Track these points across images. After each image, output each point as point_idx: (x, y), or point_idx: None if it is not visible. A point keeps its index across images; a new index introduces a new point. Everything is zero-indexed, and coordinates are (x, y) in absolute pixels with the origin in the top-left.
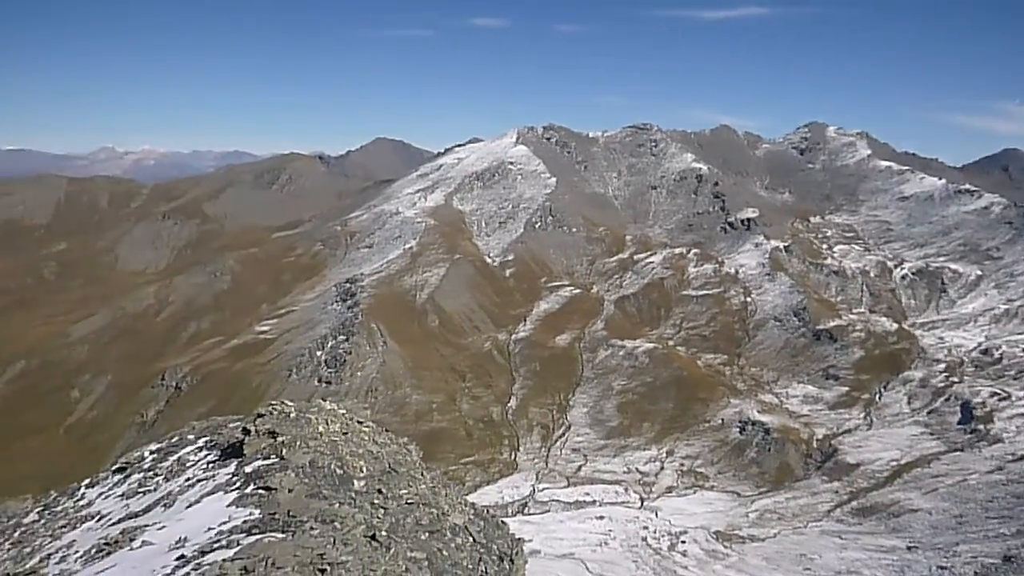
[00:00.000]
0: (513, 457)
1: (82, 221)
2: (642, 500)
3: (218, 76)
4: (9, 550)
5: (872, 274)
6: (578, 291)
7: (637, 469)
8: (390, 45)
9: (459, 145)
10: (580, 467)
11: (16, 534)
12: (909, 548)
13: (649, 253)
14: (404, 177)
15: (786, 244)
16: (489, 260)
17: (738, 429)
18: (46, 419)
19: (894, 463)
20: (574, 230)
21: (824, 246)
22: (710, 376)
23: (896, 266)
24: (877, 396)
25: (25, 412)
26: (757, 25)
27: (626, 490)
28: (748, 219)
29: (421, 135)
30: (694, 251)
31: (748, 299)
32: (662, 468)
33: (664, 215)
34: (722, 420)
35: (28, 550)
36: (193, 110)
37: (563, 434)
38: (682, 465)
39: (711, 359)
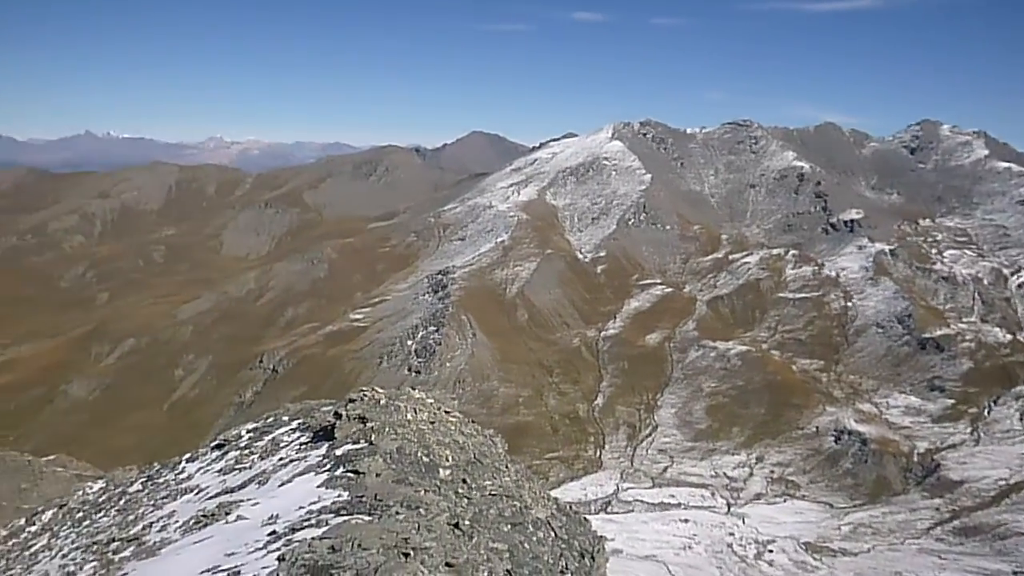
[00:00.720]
0: (598, 455)
1: (190, 207)
2: (729, 506)
3: (322, 70)
4: (115, 516)
5: (985, 281)
6: (670, 290)
7: (725, 474)
8: (489, 39)
9: (554, 140)
10: (666, 468)
11: (121, 502)
12: (1015, 574)
13: (745, 253)
14: (498, 171)
15: (892, 247)
16: (580, 256)
17: (833, 438)
18: (152, 395)
19: (1002, 482)
20: (668, 228)
21: (933, 250)
22: (805, 382)
23: (1013, 274)
24: (986, 411)
25: (133, 387)
26: (867, 17)
27: (712, 494)
28: (852, 220)
29: (516, 129)
30: (792, 252)
31: (849, 304)
32: (751, 474)
33: (762, 214)
34: (816, 428)
35: (132, 517)
36: (297, 102)
37: (650, 434)
38: (772, 472)
39: (807, 364)
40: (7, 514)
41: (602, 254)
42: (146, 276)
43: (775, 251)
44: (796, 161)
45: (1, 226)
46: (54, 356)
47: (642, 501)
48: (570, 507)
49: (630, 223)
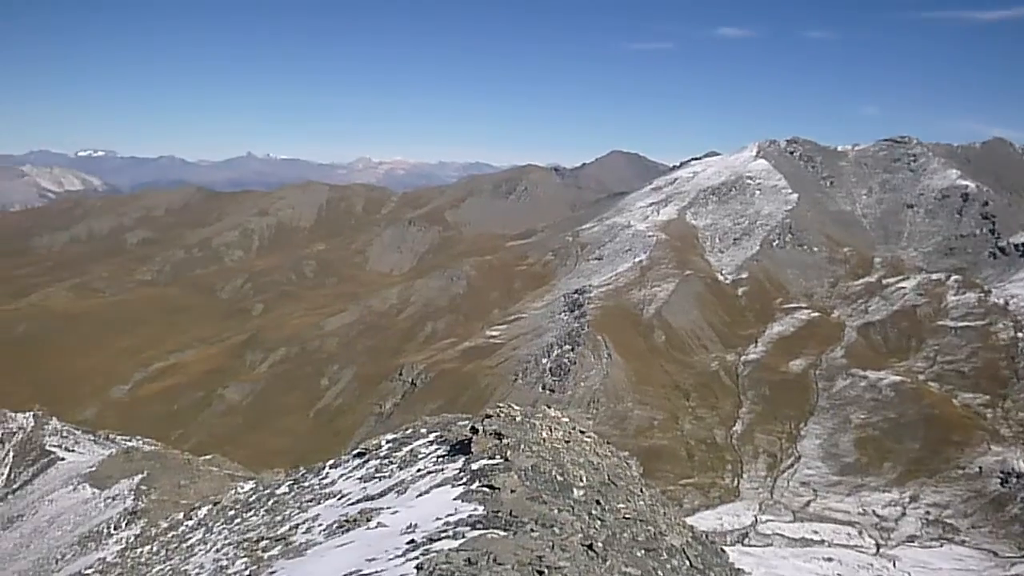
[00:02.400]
0: (735, 484)
1: (339, 224)
2: (878, 546)
3: (464, 91)
4: (264, 516)
5: None
6: (816, 314)
7: (874, 512)
8: (630, 59)
9: (695, 158)
10: (809, 502)
11: (270, 503)
12: None
13: (900, 278)
14: (637, 190)
15: None
16: (721, 277)
17: (999, 480)
18: (299, 402)
19: None
20: (815, 249)
21: None
22: (967, 418)
23: None
24: None
25: (282, 394)
26: None
27: (860, 533)
28: (1023, 244)
29: (656, 148)
30: (955, 278)
31: (1019, 335)
32: (904, 514)
33: (920, 236)
34: (980, 468)
35: (279, 518)
36: (441, 123)
37: (791, 465)
38: (928, 513)
39: (969, 399)
40: (167, 508)
41: (744, 276)
42: (297, 289)
43: (935, 276)
44: (960, 180)
45: (172, 240)
46: (213, 362)
47: (782, 535)
48: (706, 536)
49: (774, 244)
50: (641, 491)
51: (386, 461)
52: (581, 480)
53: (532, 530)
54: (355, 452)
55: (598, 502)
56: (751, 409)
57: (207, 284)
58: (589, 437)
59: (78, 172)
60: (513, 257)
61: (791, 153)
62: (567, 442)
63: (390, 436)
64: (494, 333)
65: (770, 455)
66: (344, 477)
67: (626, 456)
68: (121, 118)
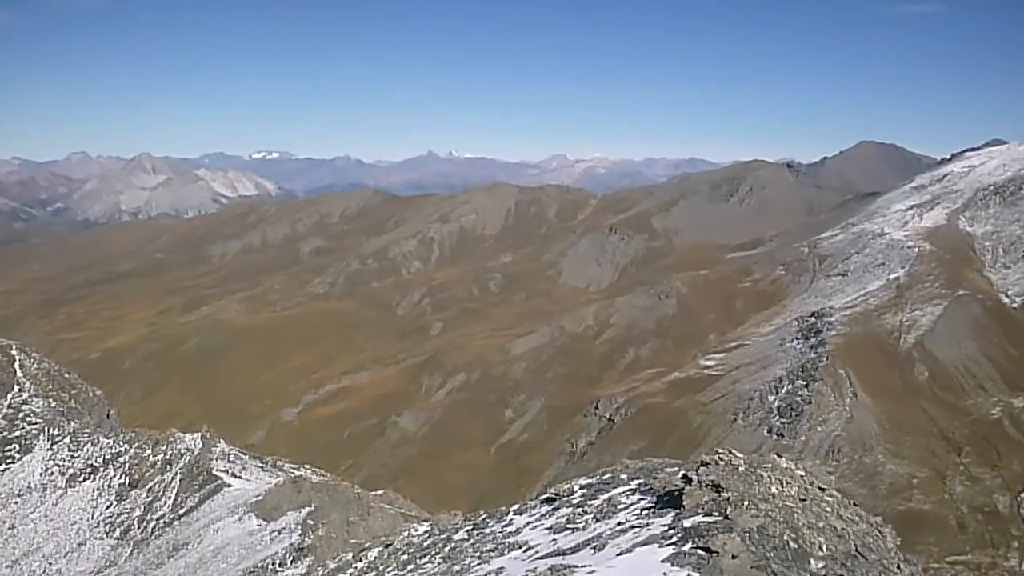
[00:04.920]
0: None
1: (529, 232)
2: None
3: (674, 78)
4: (439, 564)
5: None
6: None
7: None
8: (885, 25)
9: (971, 149)
10: None
11: (446, 549)
12: None
13: None
14: (893, 189)
15: None
16: (1006, 300)
17: None
18: (479, 434)
19: None
20: None
21: None
22: None
23: None
24: None
25: (461, 425)
26: None
27: None
28: None
29: (918, 137)
30: None
31: None
32: None
33: None
34: None
35: (457, 568)
36: (648, 114)
37: None
38: None
39: None
40: (336, 547)
41: None
42: (481, 306)
43: None
44: None
45: (347, 249)
46: (387, 385)
47: None
48: None
49: None
50: (898, 568)
51: (580, 510)
52: (820, 549)
53: None
54: (543, 497)
55: None
56: None
57: (383, 298)
58: (830, 496)
59: (252, 175)
60: (734, 271)
61: None
62: (803, 500)
63: (584, 480)
64: (709, 363)
65: None
66: (531, 526)
67: (878, 522)
68: (297, 118)
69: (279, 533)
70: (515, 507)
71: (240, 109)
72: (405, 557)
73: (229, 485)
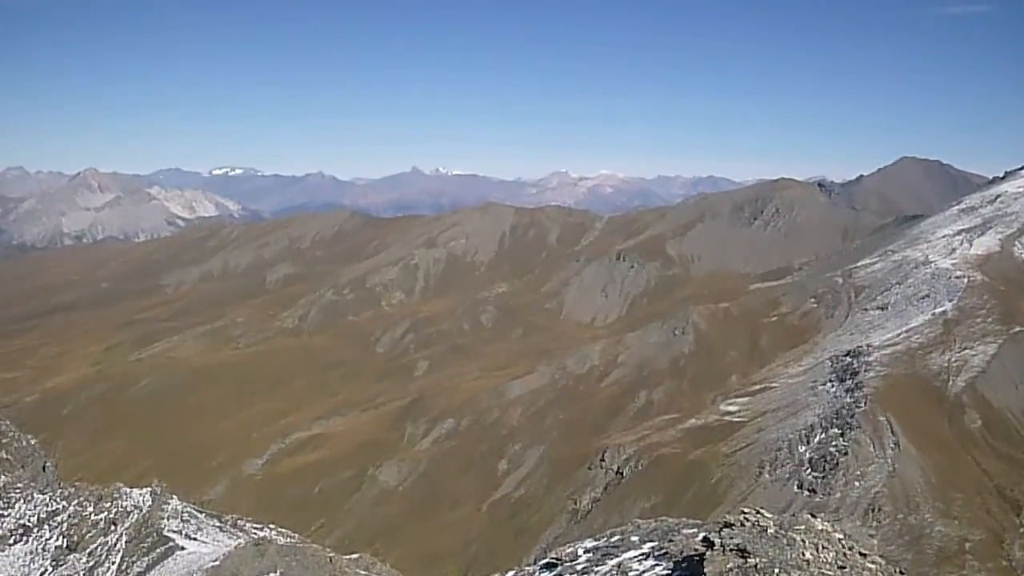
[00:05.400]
0: None
1: (527, 259)
2: None
3: (686, 87)
4: None
5: None
6: None
7: None
8: (928, 29)
9: None
10: None
11: None
12: None
13: None
14: (939, 212)
15: None
16: None
17: None
18: (470, 489)
19: None
20: None
21: None
22: None
23: None
24: None
25: (449, 478)
26: None
27: None
28: None
29: (967, 153)
30: None
31: None
32: None
33: None
34: None
35: None
36: (659, 127)
37: None
38: None
39: None
40: None
41: None
42: (472, 342)
43: None
44: None
45: (320, 278)
46: (365, 433)
47: None
48: None
49: None
50: None
51: None
52: None
53: None
54: (543, 562)
55: None
56: None
57: (361, 334)
58: (872, 563)
59: (213, 194)
60: (759, 304)
61: None
62: (841, 568)
63: (589, 543)
64: (732, 408)
65: None
66: None
67: None
68: (264, 129)
69: None
70: (511, 573)
71: (200, 119)
72: None
73: (182, 548)
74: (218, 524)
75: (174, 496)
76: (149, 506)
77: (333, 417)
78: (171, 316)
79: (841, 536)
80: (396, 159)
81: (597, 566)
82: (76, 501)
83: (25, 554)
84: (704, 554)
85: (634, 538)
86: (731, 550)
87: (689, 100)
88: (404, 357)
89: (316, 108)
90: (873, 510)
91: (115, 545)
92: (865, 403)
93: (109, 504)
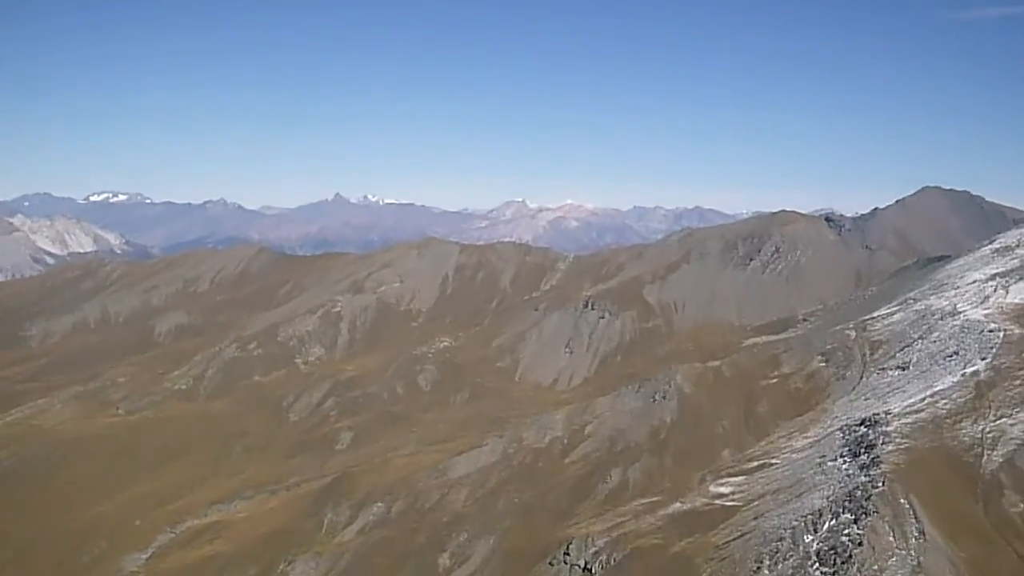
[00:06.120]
0: None
1: (474, 306)
2: None
3: (666, 100)
4: None
5: None
6: None
7: None
8: (951, 34)
9: None
10: None
11: None
12: None
13: None
14: (969, 252)
15: None
16: None
17: None
18: None
19: None
20: None
21: None
22: None
23: None
24: None
25: None
26: None
27: None
28: None
29: (1000, 182)
30: None
31: None
32: None
33: None
34: None
35: None
36: (637, 149)
37: None
38: None
39: None
40: None
41: None
42: (407, 409)
43: None
44: None
45: (221, 329)
46: (274, 520)
47: None
48: None
49: None
50: None
51: None
52: None
53: None
54: None
55: None
56: None
57: (270, 398)
58: None
59: (90, 225)
60: (756, 363)
61: None
62: None
63: None
64: (723, 489)
65: None
66: None
67: None
68: (153, 147)
69: None
70: None
71: (74, 135)
72: None
73: None
74: None
75: None
76: None
77: (235, 501)
78: (35, 375)
79: None
80: (316, 184)
81: None
82: None
83: None
84: None
85: None
86: None
87: (671, 115)
88: (323, 427)
89: (217, 121)
90: None
91: None
92: (883, 483)
93: None
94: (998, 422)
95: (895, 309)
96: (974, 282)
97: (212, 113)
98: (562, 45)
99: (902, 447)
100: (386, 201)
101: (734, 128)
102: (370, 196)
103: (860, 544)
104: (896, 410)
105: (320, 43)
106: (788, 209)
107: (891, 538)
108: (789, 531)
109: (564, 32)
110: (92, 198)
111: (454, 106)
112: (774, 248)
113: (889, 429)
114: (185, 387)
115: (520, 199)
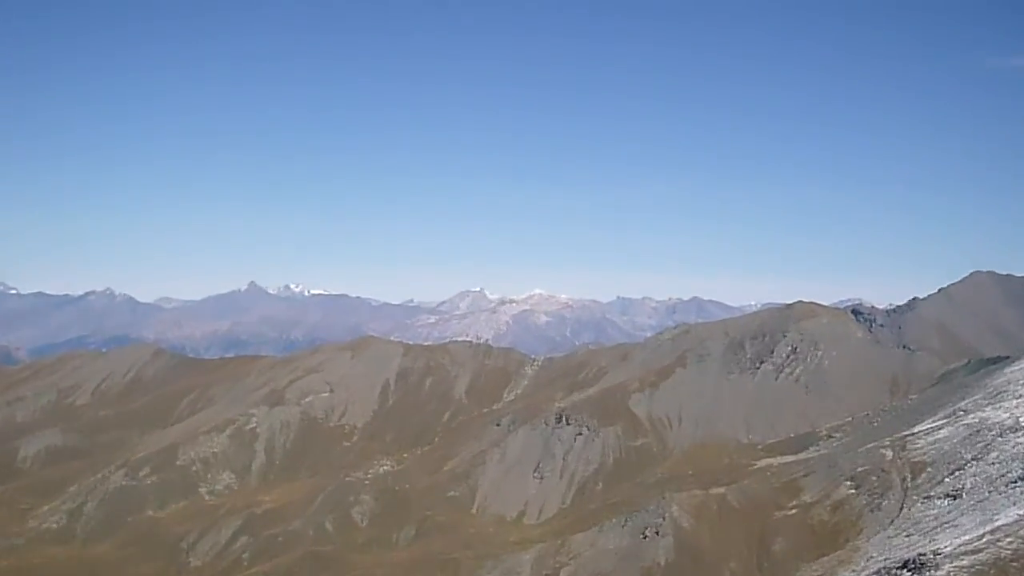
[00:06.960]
0: None
1: (422, 421)
2: None
3: (657, 167)
4: None
5: None
6: None
7: None
8: (993, 85)
9: None
10: None
11: None
12: None
13: None
14: None
15: None
16: None
17: None
18: None
19: None
20: None
21: None
22: None
23: None
24: None
25: None
26: None
27: None
28: None
29: None
30: None
31: None
32: None
33: None
34: None
35: None
36: (621, 229)
37: None
38: None
39: None
40: None
41: None
42: (338, 549)
43: None
44: None
45: (104, 452)
46: None
47: None
48: None
49: None
50: None
51: None
52: None
53: None
54: None
55: None
56: None
57: (166, 538)
58: None
59: None
60: (770, 490)
61: None
62: None
63: None
64: None
65: None
66: None
67: None
68: (18, 226)
69: None
70: None
71: None
72: None
73: None
74: None
75: None
76: None
77: None
78: None
79: None
80: (226, 271)
81: None
82: None
83: None
84: None
85: None
86: None
87: (663, 185)
88: (233, 573)
89: (101, 193)
90: None
91: None
92: None
93: None
94: None
95: (942, 423)
96: None
97: (93, 185)
98: (530, 100)
99: None
100: (312, 291)
101: (738, 203)
102: (292, 286)
103: None
104: (947, 550)
105: (228, 100)
106: (806, 300)
107: None
108: None
109: (532, 84)
110: None
111: (394, 177)
112: (790, 348)
113: (939, 574)
114: (57, 526)
115: (478, 288)
